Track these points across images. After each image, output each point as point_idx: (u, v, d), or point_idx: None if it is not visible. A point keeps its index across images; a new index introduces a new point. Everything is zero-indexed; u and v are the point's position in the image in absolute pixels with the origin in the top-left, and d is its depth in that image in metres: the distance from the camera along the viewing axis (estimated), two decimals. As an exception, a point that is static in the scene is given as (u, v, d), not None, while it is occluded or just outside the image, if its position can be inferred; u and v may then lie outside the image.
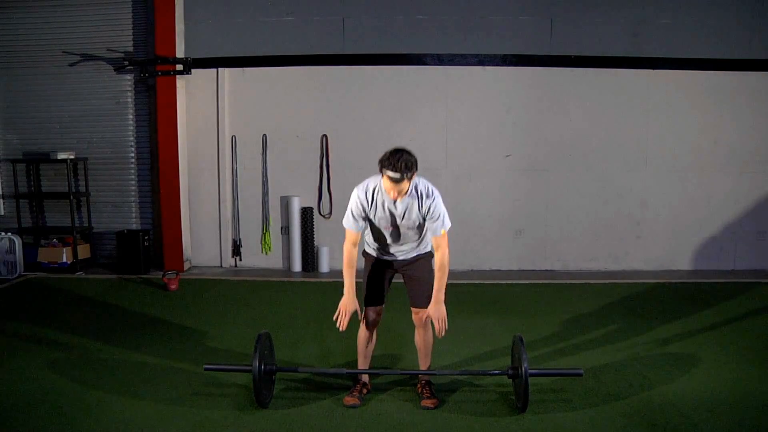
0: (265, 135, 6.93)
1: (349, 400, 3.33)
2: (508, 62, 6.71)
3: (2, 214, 7.37)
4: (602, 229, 6.92)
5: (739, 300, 5.53)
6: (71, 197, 6.85)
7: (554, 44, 6.66)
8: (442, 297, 3.24)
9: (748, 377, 3.68)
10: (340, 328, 3.24)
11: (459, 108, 6.81)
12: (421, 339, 3.44)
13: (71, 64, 7.04)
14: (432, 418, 3.19)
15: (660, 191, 6.85)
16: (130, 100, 7.09)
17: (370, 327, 3.42)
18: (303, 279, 6.66)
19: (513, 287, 6.18)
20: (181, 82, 6.81)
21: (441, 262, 3.21)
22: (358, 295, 3.32)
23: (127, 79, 7.06)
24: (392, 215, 3.22)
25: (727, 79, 6.68)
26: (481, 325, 4.81)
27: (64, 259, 6.82)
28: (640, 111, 6.77)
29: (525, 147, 6.83)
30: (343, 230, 3.34)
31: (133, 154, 7.17)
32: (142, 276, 6.65)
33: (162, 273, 6.23)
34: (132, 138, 7.14)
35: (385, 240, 3.33)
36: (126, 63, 6.89)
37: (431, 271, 3.30)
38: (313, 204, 6.94)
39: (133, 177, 7.21)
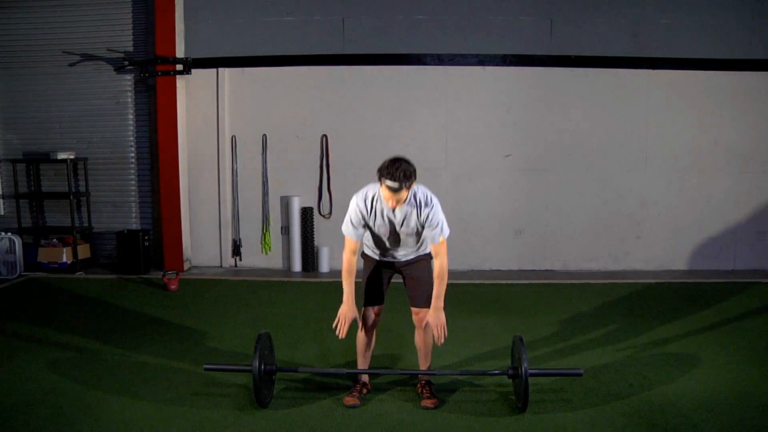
0: (265, 135, 6.93)
1: (349, 400, 3.33)
2: (508, 62, 6.71)
3: (2, 214, 7.37)
4: (602, 229, 6.92)
5: (739, 300, 5.53)
6: (71, 197, 6.85)
7: (554, 44, 6.66)
8: (441, 304, 3.25)
9: (748, 377, 3.68)
10: (340, 336, 3.25)
11: (459, 108, 6.81)
12: (421, 339, 3.43)
13: (71, 64, 7.04)
14: (432, 418, 3.19)
15: (660, 191, 6.86)
16: (130, 100, 7.09)
17: (369, 327, 3.42)
18: (303, 279, 6.66)
19: (513, 287, 6.18)
20: (181, 82, 6.81)
21: (440, 270, 3.21)
22: (357, 303, 3.32)
23: (127, 79, 7.06)
24: (391, 223, 3.23)
25: (727, 79, 6.68)
26: (481, 325, 4.80)
27: (64, 259, 6.82)
28: (640, 111, 6.77)
29: (525, 147, 6.83)
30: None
31: (133, 154, 7.17)
32: (142, 276, 6.65)
33: (162, 273, 6.23)
34: (132, 138, 7.14)
35: (385, 245, 3.35)
36: (126, 63, 6.89)
37: (431, 271, 3.30)
38: (313, 204, 6.94)
39: (133, 177, 7.21)
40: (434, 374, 3.50)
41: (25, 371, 3.83)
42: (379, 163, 7.36)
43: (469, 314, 5.07)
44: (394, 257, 3.40)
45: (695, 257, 6.93)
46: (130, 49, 6.99)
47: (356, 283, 3.33)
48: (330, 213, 6.93)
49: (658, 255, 6.91)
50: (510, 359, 3.51)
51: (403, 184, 3.00)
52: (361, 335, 3.44)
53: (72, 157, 6.91)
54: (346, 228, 3.27)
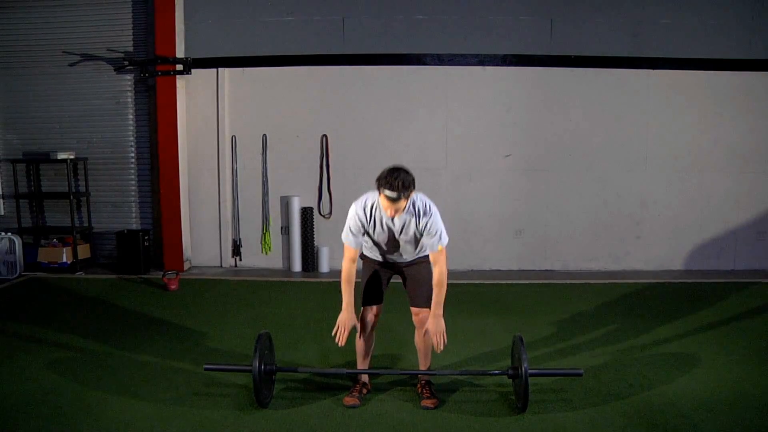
0: (265, 135, 6.94)
1: (349, 400, 3.33)
2: (508, 62, 6.71)
3: (2, 214, 7.37)
4: (602, 229, 6.92)
5: (739, 300, 5.53)
6: (71, 197, 6.85)
7: (554, 44, 6.66)
8: (441, 311, 3.25)
9: (748, 377, 3.68)
10: (340, 344, 3.26)
11: (459, 108, 6.81)
12: (421, 339, 3.43)
13: (71, 64, 7.04)
14: (432, 418, 3.19)
15: (660, 191, 6.86)
16: (130, 100, 7.09)
17: (369, 328, 3.42)
18: (303, 279, 6.66)
19: (513, 287, 6.18)
20: (181, 82, 6.81)
21: (439, 278, 3.22)
22: (356, 310, 3.33)
23: (127, 79, 7.06)
24: (390, 231, 3.25)
25: (727, 79, 6.68)
26: (481, 325, 4.80)
27: (64, 259, 6.82)
28: (640, 111, 6.77)
29: (525, 147, 6.83)
30: (342, 229, 3.34)
31: (133, 154, 7.18)
32: (142, 276, 6.65)
33: (162, 273, 6.23)
34: (132, 138, 7.14)
35: (384, 250, 3.37)
36: (126, 63, 6.89)
37: (431, 272, 3.30)
38: (313, 204, 6.94)
39: (133, 177, 7.21)
40: (434, 374, 3.50)
41: (25, 371, 3.83)
42: (379, 162, 7.35)
43: (469, 314, 5.07)
44: (393, 260, 3.42)
45: (695, 257, 6.93)
46: (130, 49, 6.99)
47: (356, 284, 3.33)
48: (330, 213, 6.93)
49: (658, 255, 6.91)
50: (510, 359, 3.51)
51: (402, 194, 3.01)
52: (361, 336, 3.43)
53: (72, 157, 6.91)
54: (346, 236, 3.27)
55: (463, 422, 3.15)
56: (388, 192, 2.99)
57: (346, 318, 3.27)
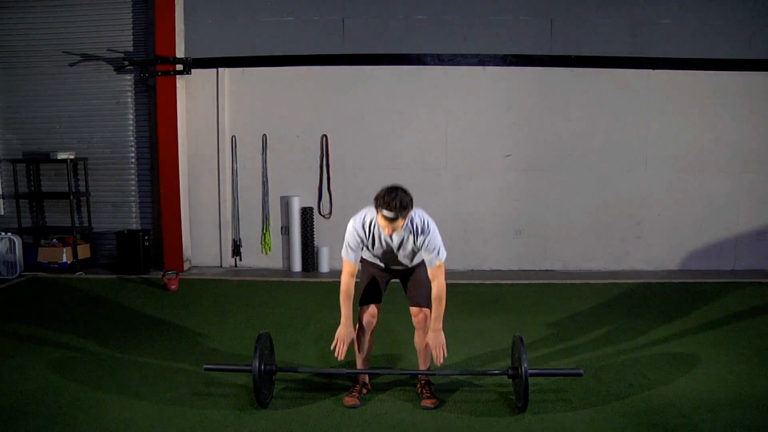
0: (265, 135, 6.94)
1: (349, 400, 3.33)
2: (508, 62, 6.71)
3: (2, 214, 7.37)
4: (602, 229, 6.92)
5: (739, 300, 5.53)
6: (71, 197, 6.85)
7: (554, 44, 6.66)
8: (440, 325, 3.27)
9: (748, 377, 3.68)
10: (339, 358, 3.28)
11: (459, 108, 6.81)
12: (420, 340, 3.43)
13: (71, 64, 7.04)
14: (432, 418, 3.19)
15: (660, 191, 6.86)
16: (130, 100, 7.09)
17: (367, 328, 3.42)
18: (303, 279, 6.66)
19: (513, 287, 6.18)
20: (181, 82, 6.81)
21: (438, 293, 3.23)
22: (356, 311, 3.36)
23: (127, 79, 7.06)
24: (389, 246, 3.28)
25: (727, 79, 6.68)
26: (481, 325, 4.80)
27: (64, 259, 6.82)
28: (641, 111, 6.77)
29: (525, 147, 6.83)
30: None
31: (133, 154, 7.18)
32: (142, 276, 6.65)
33: (162, 273, 6.23)
34: (132, 138, 7.14)
35: (383, 261, 3.41)
36: (126, 63, 6.89)
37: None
38: (313, 204, 6.94)
39: (133, 177, 7.21)
40: (434, 374, 3.49)
41: (25, 371, 3.83)
42: (379, 162, 7.36)
43: (469, 314, 5.07)
44: (392, 268, 3.45)
45: (695, 257, 6.93)
46: (130, 49, 6.99)
47: (355, 285, 3.35)
48: (330, 213, 6.93)
49: (658, 255, 6.91)
50: (510, 359, 3.51)
51: (400, 214, 3.03)
52: (359, 336, 3.44)
53: (72, 157, 6.91)
54: (345, 253, 3.28)
55: (463, 422, 3.15)
56: (385, 212, 3.01)
57: (344, 332, 3.29)
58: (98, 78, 7.06)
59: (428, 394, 3.36)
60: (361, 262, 3.47)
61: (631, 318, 4.96)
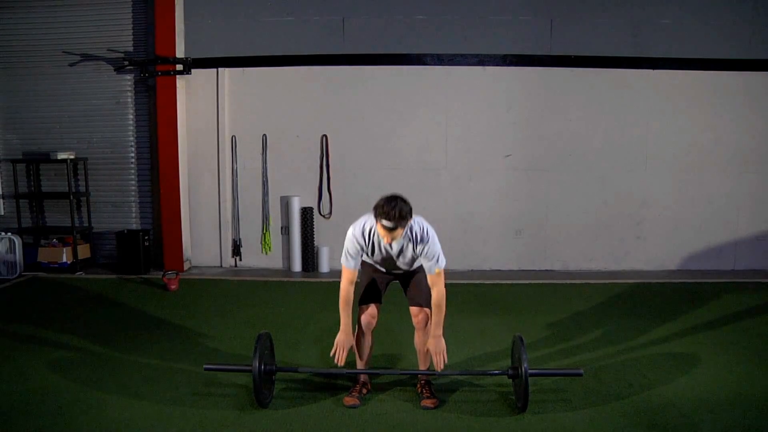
0: (265, 135, 6.94)
1: (348, 400, 3.34)
2: (508, 62, 6.71)
3: (2, 214, 7.37)
4: (602, 229, 6.92)
5: (739, 300, 5.53)
6: (71, 197, 6.85)
7: (554, 44, 6.66)
8: (440, 332, 3.28)
9: (748, 377, 3.68)
10: (339, 364, 3.29)
11: (459, 108, 6.81)
12: (420, 341, 3.44)
13: (71, 64, 7.04)
14: (432, 418, 3.19)
15: (660, 191, 6.86)
16: (130, 100, 7.09)
17: (367, 329, 3.43)
18: (303, 279, 6.66)
19: (513, 287, 6.18)
20: (181, 82, 6.81)
21: (437, 300, 3.24)
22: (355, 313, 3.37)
23: (127, 79, 7.06)
24: (388, 253, 3.29)
25: (727, 79, 6.68)
26: (481, 325, 4.80)
27: (64, 259, 6.82)
28: (641, 111, 6.77)
29: (525, 147, 6.83)
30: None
31: (133, 154, 7.18)
32: (142, 276, 6.65)
33: (162, 273, 6.23)
34: (132, 138, 7.14)
35: (383, 267, 3.43)
36: (126, 63, 6.89)
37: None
38: (313, 204, 6.94)
39: (133, 177, 7.21)
40: (434, 374, 3.49)
41: (25, 371, 3.83)
42: (379, 162, 7.35)
43: (469, 314, 5.06)
44: (392, 272, 3.47)
45: (695, 257, 6.93)
46: (130, 49, 6.99)
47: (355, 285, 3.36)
48: (330, 213, 6.93)
49: (658, 255, 6.91)
50: (510, 359, 3.51)
51: (399, 224, 3.03)
52: (359, 337, 3.44)
53: (72, 157, 6.91)
54: (345, 260, 3.28)
55: (463, 422, 3.15)
56: (385, 222, 3.02)
57: (343, 339, 3.30)
58: (98, 78, 7.06)
59: (428, 394, 3.36)
60: (361, 263, 3.48)
61: (632, 318, 4.96)
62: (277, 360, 3.58)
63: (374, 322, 3.44)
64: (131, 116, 7.11)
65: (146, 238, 6.86)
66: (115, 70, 7.02)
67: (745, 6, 6.59)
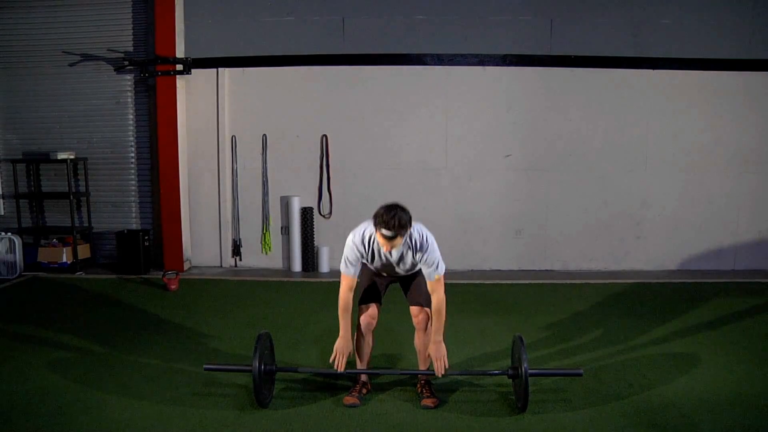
0: (265, 135, 6.94)
1: (348, 399, 3.34)
2: (508, 62, 6.71)
3: (2, 214, 7.37)
4: (602, 229, 6.92)
5: (739, 300, 5.53)
6: (71, 197, 6.85)
7: (554, 44, 6.66)
8: (441, 337, 3.29)
9: (748, 377, 3.68)
10: (339, 370, 3.29)
11: (459, 108, 6.81)
12: (420, 341, 3.44)
13: (71, 64, 7.04)
14: (432, 417, 3.19)
15: (660, 191, 6.85)
16: (130, 100, 7.09)
17: (367, 330, 3.43)
18: (303, 279, 6.66)
19: (513, 287, 6.18)
20: (181, 82, 6.81)
21: (437, 306, 3.25)
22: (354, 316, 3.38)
23: (127, 79, 7.06)
24: (388, 260, 3.30)
25: (727, 79, 6.68)
26: (481, 325, 4.80)
27: (64, 259, 6.82)
28: (640, 111, 6.77)
29: (525, 147, 6.83)
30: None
31: (133, 154, 7.18)
32: (142, 276, 6.65)
33: (162, 273, 6.23)
34: (132, 138, 7.14)
35: (382, 272, 3.44)
36: (126, 63, 6.89)
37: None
38: (313, 204, 6.94)
39: (133, 177, 7.21)
40: (434, 374, 3.49)
41: (25, 371, 3.83)
42: (379, 162, 7.35)
43: (469, 314, 5.06)
44: (392, 276, 3.48)
45: (695, 257, 6.93)
46: (130, 49, 6.99)
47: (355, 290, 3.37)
48: (330, 213, 6.93)
49: (658, 255, 6.91)
50: (510, 359, 3.51)
51: (399, 233, 3.04)
52: (358, 337, 3.45)
53: (72, 157, 6.91)
54: (345, 267, 3.29)
55: (463, 422, 3.15)
56: (384, 231, 3.03)
57: (343, 345, 3.31)
58: (98, 78, 7.06)
59: (428, 394, 3.37)
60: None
61: (632, 318, 4.96)
62: (277, 360, 3.58)
63: (374, 322, 3.44)
64: (131, 116, 7.11)
65: (146, 238, 6.86)
66: (115, 70, 7.02)
67: (745, 6, 6.59)
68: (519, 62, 6.69)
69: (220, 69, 6.83)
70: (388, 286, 3.53)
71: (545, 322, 4.84)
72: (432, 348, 3.29)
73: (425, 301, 3.35)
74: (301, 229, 6.90)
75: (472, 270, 6.90)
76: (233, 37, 6.80)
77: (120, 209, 7.27)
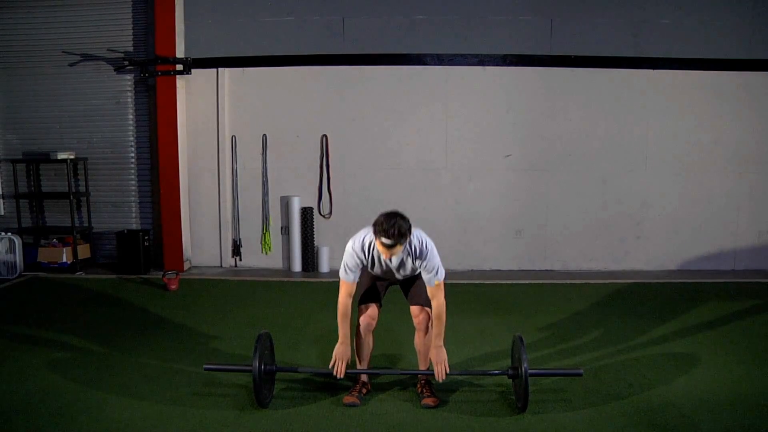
0: (265, 135, 6.93)
1: (348, 399, 3.34)
2: (508, 62, 6.71)
3: (2, 214, 7.37)
4: (602, 229, 6.92)
5: (739, 300, 5.53)
6: (71, 197, 6.85)
7: (554, 44, 6.66)
8: (441, 342, 3.29)
9: (748, 377, 3.68)
10: (338, 376, 3.30)
11: (459, 108, 6.81)
12: (420, 341, 3.44)
13: (71, 64, 7.04)
14: (432, 417, 3.19)
15: (660, 191, 6.86)
16: (130, 100, 7.10)
17: (366, 330, 3.43)
18: (303, 279, 6.66)
19: (513, 287, 6.18)
20: (181, 82, 6.81)
21: (437, 311, 3.26)
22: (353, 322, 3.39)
23: (127, 79, 7.06)
24: (388, 267, 3.31)
25: (727, 79, 6.68)
26: (481, 325, 4.80)
27: (64, 259, 6.82)
28: (640, 111, 6.77)
29: (525, 147, 6.83)
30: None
31: (133, 154, 7.18)
32: (142, 276, 6.65)
33: (162, 273, 6.23)
34: (132, 138, 7.14)
35: (383, 277, 3.44)
36: (126, 63, 6.89)
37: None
38: (313, 204, 6.94)
39: (133, 177, 7.21)
40: (433, 374, 3.49)
41: (25, 371, 3.82)
42: (379, 162, 7.34)
43: (469, 314, 5.06)
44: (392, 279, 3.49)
45: (695, 257, 6.93)
46: (130, 49, 6.99)
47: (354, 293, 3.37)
48: (330, 213, 6.93)
49: (658, 255, 6.91)
50: (510, 359, 3.51)
51: (398, 241, 3.04)
52: (358, 337, 3.45)
53: (72, 157, 6.91)
54: (344, 274, 3.29)
55: (463, 422, 3.15)
56: (384, 240, 3.03)
57: (342, 351, 3.31)
58: (98, 78, 7.06)
59: (429, 393, 3.37)
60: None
61: (632, 318, 4.96)
62: (277, 360, 3.58)
63: (374, 323, 3.44)
64: (131, 116, 7.11)
65: (146, 238, 6.86)
66: (115, 70, 7.02)
67: (745, 6, 6.59)
68: (519, 62, 6.69)
69: (220, 69, 6.83)
70: (388, 287, 3.54)
71: (545, 322, 4.84)
72: (433, 353, 3.29)
73: (426, 301, 3.35)
74: (301, 229, 6.90)
75: (472, 270, 6.90)
76: (233, 37, 6.80)
77: (120, 209, 7.28)
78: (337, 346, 3.32)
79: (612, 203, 6.88)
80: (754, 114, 6.74)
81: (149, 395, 3.46)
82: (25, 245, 6.92)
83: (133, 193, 7.25)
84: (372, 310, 3.43)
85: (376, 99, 6.82)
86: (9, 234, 6.75)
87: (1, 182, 7.39)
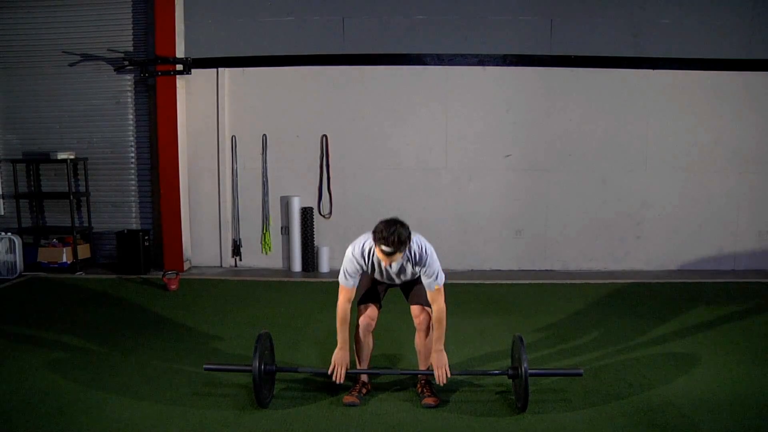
0: (265, 135, 6.94)
1: (348, 398, 3.35)
2: (508, 62, 6.71)
3: (2, 214, 7.37)
4: (602, 229, 6.92)
5: (739, 300, 5.53)
6: (71, 197, 6.85)
7: (554, 44, 6.66)
8: (441, 346, 3.30)
9: (748, 377, 3.68)
10: (338, 381, 3.31)
11: (459, 108, 6.81)
12: (421, 341, 3.44)
13: (71, 64, 7.04)
14: (432, 417, 3.19)
15: (660, 191, 6.86)
16: (130, 100, 7.10)
17: (365, 331, 3.43)
18: (303, 279, 6.66)
19: (513, 287, 6.18)
20: (181, 82, 6.81)
21: (438, 315, 3.26)
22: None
23: (127, 79, 7.06)
24: (388, 273, 3.31)
25: (727, 79, 6.68)
26: (481, 325, 4.80)
27: (64, 259, 6.82)
28: (640, 111, 6.77)
29: (525, 147, 6.83)
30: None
31: (133, 154, 7.18)
32: (142, 276, 6.65)
33: (162, 273, 6.23)
34: (132, 138, 7.14)
35: (383, 281, 3.44)
36: (126, 63, 6.89)
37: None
38: (313, 204, 6.94)
39: (133, 177, 7.21)
40: (432, 374, 3.49)
41: (25, 371, 3.82)
42: (379, 162, 7.35)
43: (469, 314, 5.06)
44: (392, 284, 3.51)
45: (696, 257, 6.93)
46: (130, 49, 6.99)
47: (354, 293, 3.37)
48: (330, 213, 6.93)
49: (658, 255, 6.91)
50: (510, 359, 3.51)
51: (398, 249, 3.05)
52: (358, 338, 3.45)
53: (72, 157, 6.91)
54: (344, 279, 3.28)
55: (463, 422, 3.15)
56: (384, 247, 3.03)
57: (341, 356, 3.32)
58: (98, 78, 7.06)
59: (429, 393, 3.37)
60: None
61: (632, 318, 4.96)
62: (277, 360, 3.58)
63: (373, 323, 3.44)
64: (131, 116, 7.11)
65: (146, 238, 6.86)
66: (115, 70, 7.02)
67: (745, 6, 6.59)
68: (519, 62, 6.69)
69: (220, 69, 6.83)
70: (388, 288, 3.54)
71: (545, 322, 4.84)
72: (433, 357, 3.30)
73: (425, 301, 3.34)
74: (301, 229, 6.90)
75: (472, 270, 6.90)
76: (233, 37, 6.80)
77: (120, 209, 7.27)
78: (336, 351, 3.33)
79: (612, 203, 6.88)
80: (754, 114, 6.74)
81: (149, 395, 3.46)
82: (25, 245, 6.92)
83: (133, 193, 7.25)
84: (371, 310, 3.43)
85: (376, 99, 6.82)
86: (9, 234, 6.75)
87: (1, 182, 7.39)
